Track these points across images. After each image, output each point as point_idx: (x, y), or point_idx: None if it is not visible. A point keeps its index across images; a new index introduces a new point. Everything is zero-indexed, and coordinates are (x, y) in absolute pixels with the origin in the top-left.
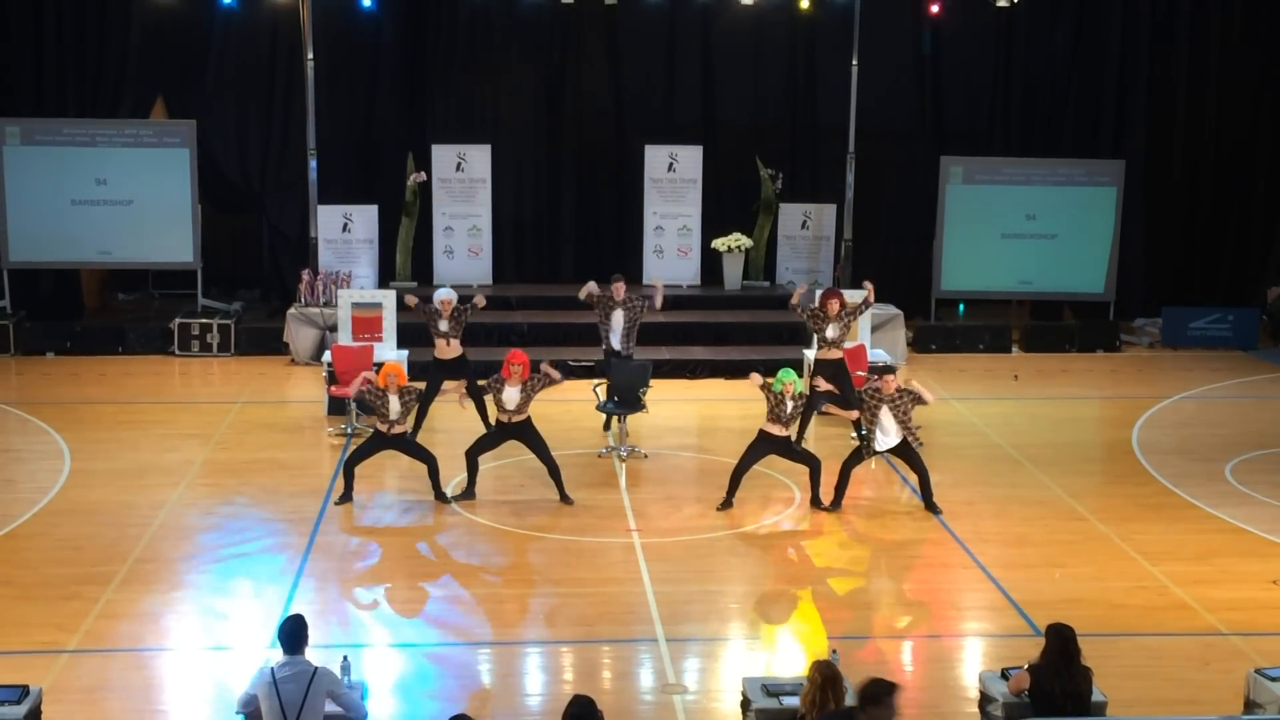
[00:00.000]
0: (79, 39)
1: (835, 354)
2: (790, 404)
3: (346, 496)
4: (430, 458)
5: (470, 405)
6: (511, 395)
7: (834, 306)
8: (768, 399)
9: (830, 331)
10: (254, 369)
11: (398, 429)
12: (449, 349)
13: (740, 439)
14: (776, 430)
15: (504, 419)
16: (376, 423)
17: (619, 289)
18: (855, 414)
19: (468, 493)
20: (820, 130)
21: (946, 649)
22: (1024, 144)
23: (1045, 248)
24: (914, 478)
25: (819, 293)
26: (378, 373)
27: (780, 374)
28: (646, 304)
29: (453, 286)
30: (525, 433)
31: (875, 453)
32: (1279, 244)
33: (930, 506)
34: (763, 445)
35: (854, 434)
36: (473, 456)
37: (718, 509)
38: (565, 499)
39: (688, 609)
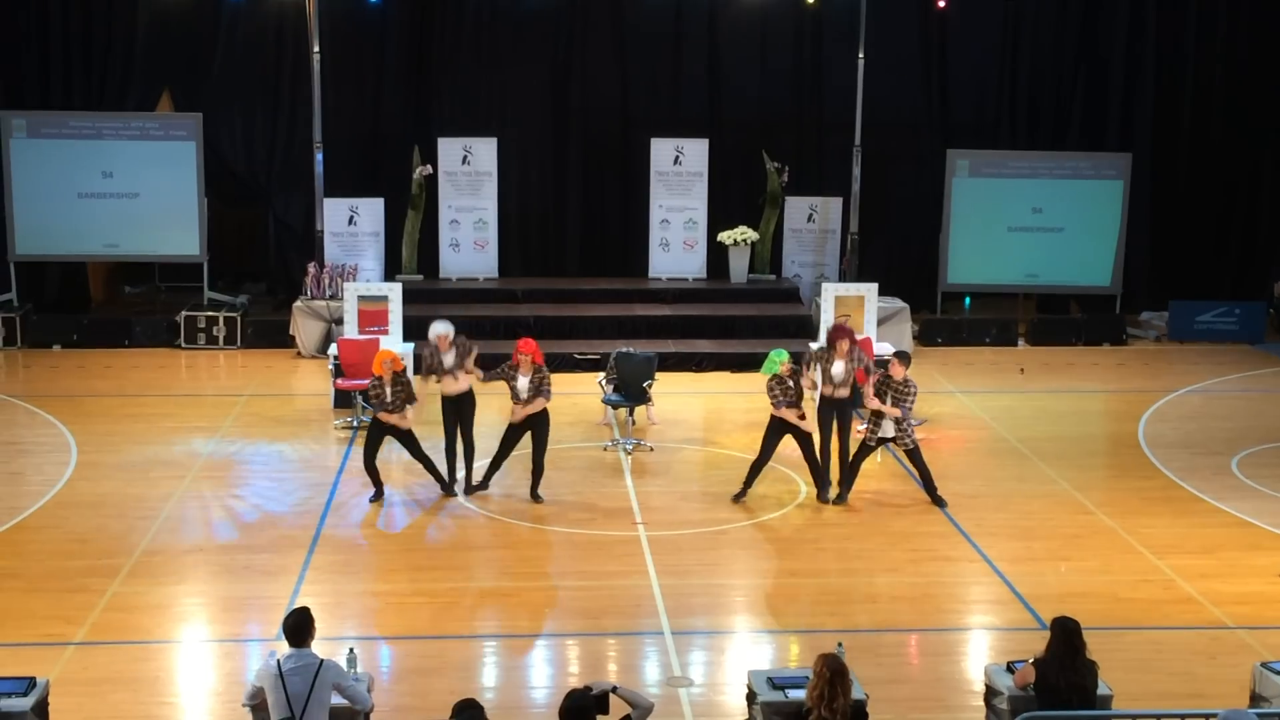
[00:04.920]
0: (85, 32)
1: (842, 393)
2: (792, 383)
3: (378, 494)
4: (426, 458)
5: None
6: (524, 384)
7: (843, 346)
8: (773, 391)
9: (837, 369)
10: (260, 362)
11: (394, 416)
12: (456, 384)
13: (745, 431)
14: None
15: (519, 407)
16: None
17: None
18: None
19: (482, 484)
20: (826, 123)
21: (952, 642)
22: (1030, 137)
23: (1052, 241)
24: (917, 471)
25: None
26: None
27: (772, 355)
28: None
29: (458, 280)
30: (537, 423)
31: (883, 441)
32: None
33: (935, 500)
34: (778, 430)
35: (860, 425)
36: (498, 460)
37: (733, 499)
38: (535, 496)
39: (693, 602)
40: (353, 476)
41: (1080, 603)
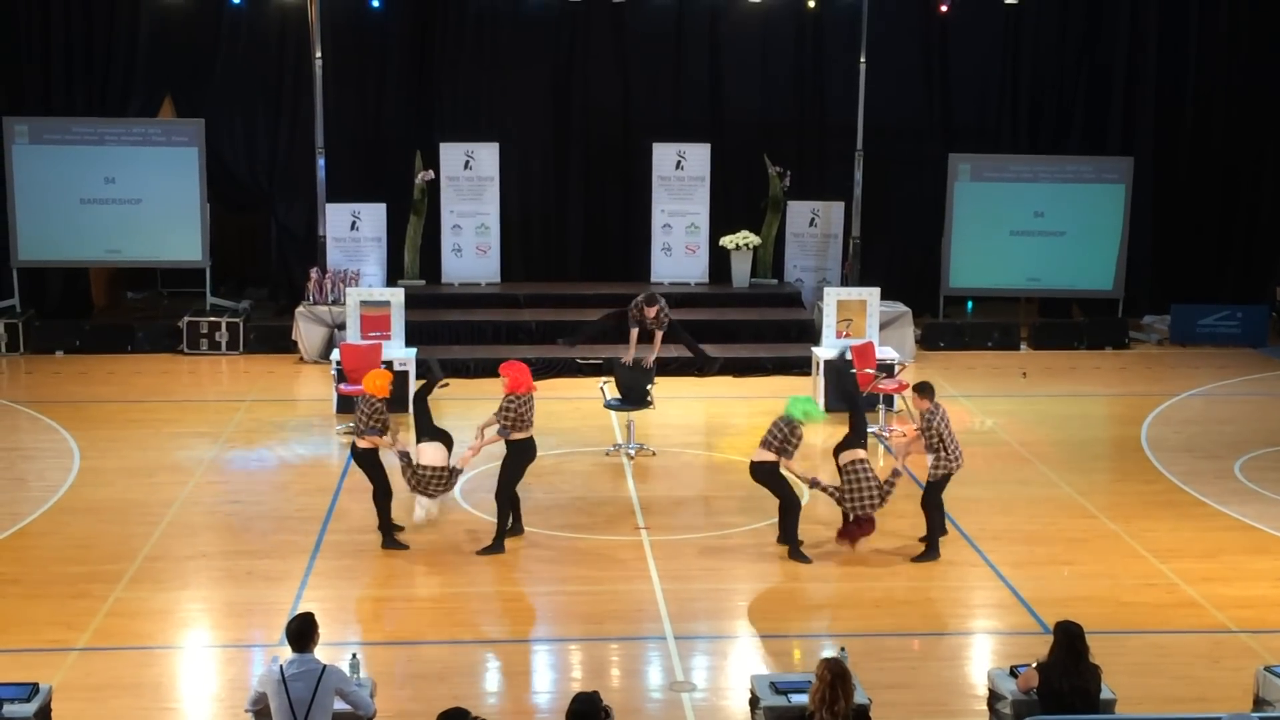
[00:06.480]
0: (87, 38)
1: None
2: (795, 439)
3: (395, 544)
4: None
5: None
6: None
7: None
8: (779, 435)
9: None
10: (262, 367)
11: (366, 441)
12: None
13: (748, 437)
14: (766, 455)
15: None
16: (358, 439)
17: (651, 311)
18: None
19: (515, 528)
20: (828, 127)
21: (955, 647)
22: (1032, 141)
23: (1054, 245)
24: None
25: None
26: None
27: (806, 411)
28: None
29: (460, 284)
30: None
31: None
32: None
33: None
34: (763, 472)
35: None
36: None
37: (791, 557)
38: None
39: (696, 606)
40: (355, 481)
41: (1083, 607)
